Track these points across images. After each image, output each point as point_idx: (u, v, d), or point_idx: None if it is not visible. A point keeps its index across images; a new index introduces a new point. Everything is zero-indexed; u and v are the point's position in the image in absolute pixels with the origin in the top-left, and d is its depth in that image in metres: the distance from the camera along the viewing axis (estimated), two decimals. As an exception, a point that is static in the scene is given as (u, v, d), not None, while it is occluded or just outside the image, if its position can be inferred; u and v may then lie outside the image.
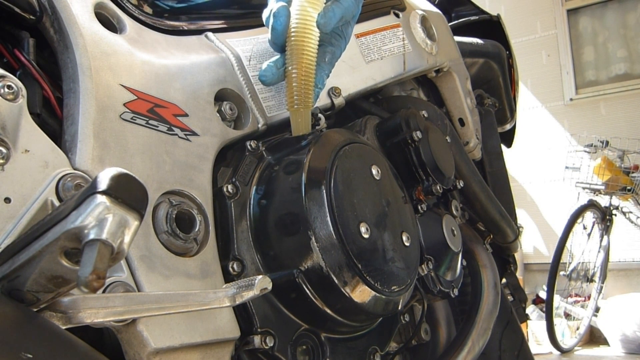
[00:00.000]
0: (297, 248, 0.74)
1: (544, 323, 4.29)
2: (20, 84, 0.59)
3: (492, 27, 1.79)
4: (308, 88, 0.81)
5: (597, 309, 4.59)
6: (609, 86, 5.22)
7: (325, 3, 0.83)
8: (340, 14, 0.82)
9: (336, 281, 0.73)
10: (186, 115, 0.74)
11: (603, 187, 4.43)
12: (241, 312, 0.72)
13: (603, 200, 4.57)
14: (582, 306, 4.73)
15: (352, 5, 0.84)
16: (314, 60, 0.82)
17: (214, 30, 0.88)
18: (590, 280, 4.66)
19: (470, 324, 1.07)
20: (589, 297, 4.72)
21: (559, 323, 4.49)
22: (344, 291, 0.73)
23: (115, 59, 0.69)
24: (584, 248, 4.56)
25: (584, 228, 4.58)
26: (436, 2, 1.66)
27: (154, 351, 0.60)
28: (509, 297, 1.55)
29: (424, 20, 1.27)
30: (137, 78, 0.71)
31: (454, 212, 1.12)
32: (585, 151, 4.55)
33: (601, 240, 4.58)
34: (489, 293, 1.14)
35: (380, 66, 1.11)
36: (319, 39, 0.83)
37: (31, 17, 0.66)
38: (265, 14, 0.83)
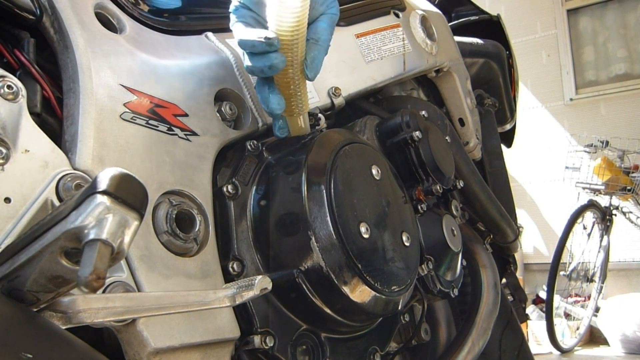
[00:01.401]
0: (297, 248, 0.74)
1: (544, 323, 4.29)
2: (20, 84, 0.59)
3: (492, 27, 1.79)
4: (303, 95, 0.80)
5: (597, 309, 4.59)
6: (609, 86, 5.22)
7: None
8: (323, 56, 0.79)
9: (336, 281, 0.73)
10: (186, 115, 0.74)
11: (603, 187, 4.42)
12: (241, 312, 0.72)
13: (603, 200, 4.57)
14: (582, 306, 4.73)
15: (329, 39, 0.80)
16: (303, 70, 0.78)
17: (214, 30, 0.88)
18: (590, 280, 4.66)
19: (470, 324, 1.07)
20: (589, 297, 4.72)
21: (559, 323, 4.49)
22: (344, 291, 0.73)
23: (115, 59, 0.69)
24: (584, 248, 4.56)
25: (584, 228, 4.57)
26: (436, 2, 1.66)
27: (154, 351, 0.60)
28: (509, 297, 1.55)
29: (424, 20, 1.27)
30: (137, 78, 0.71)
31: (454, 212, 1.12)
32: (585, 151, 4.54)
33: (601, 240, 4.58)
34: (489, 293, 1.14)
35: (380, 66, 1.11)
36: None
37: (31, 17, 0.66)
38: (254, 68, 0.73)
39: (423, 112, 1.12)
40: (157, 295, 0.52)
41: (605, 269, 4.62)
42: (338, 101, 0.98)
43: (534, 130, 5.28)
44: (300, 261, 0.73)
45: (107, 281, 0.59)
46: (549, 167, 5.23)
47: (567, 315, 4.67)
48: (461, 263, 1.06)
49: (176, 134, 0.72)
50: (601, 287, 4.62)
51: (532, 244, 5.45)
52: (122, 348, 0.61)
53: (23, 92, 0.59)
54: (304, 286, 0.74)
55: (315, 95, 0.95)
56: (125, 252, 0.38)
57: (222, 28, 0.90)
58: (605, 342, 4.47)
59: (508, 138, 1.92)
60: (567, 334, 4.53)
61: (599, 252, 4.59)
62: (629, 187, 4.42)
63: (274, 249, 0.76)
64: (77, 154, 0.61)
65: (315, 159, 0.78)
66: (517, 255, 1.63)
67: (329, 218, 0.73)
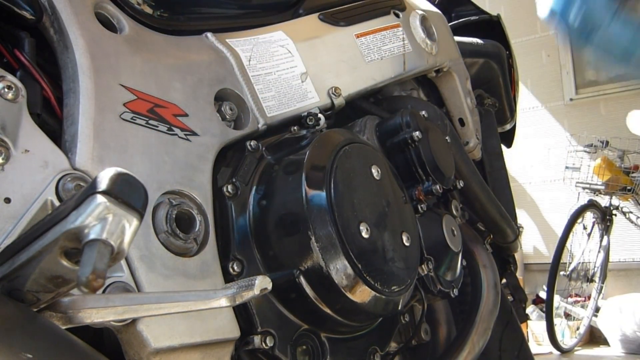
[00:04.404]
0: (297, 248, 0.74)
1: (544, 323, 4.29)
2: (20, 84, 0.59)
3: (492, 27, 1.79)
4: None
5: (597, 309, 4.59)
6: (609, 86, 5.21)
7: None
8: None
9: (336, 281, 0.73)
10: (186, 115, 0.74)
11: (603, 187, 4.42)
12: (241, 312, 0.72)
13: (603, 200, 4.57)
14: (582, 306, 4.73)
15: None
16: None
17: (214, 30, 0.88)
18: (590, 280, 4.65)
19: (470, 324, 1.07)
20: (589, 297, 4.72)
21: (559, 323, 4.49)
22: (344, 291, 0.73)
23: (115, 59, 0.69)
24: (584, 248, 4.55)
25: (584, 228, 4.57)
26: (436, 2, 1.65)
27: (154, 351, 0.60)
28: (509, 297, 1.55)
29: (424, 20, 1.27)
30: (137, 78, 0.71)
31: (454, 212, 1.12)
32: (585, 151, 4.54)
33: (601, 240, 4.57)
34: (489, 293, 1.14)
35: (380, 66, 1.11)
36: None
37: (31, 17, 0.66)
38: None
39: (423, 112, 1.12)
40: (157, 295, 0.52)
41: (605, 269, 4.61)
42: (338, 101, 0.98)
43: (534, 131, 5.28)
44: (300, 261, 0.73)
45: (107, 281, 0.59)
46: (549, 167, 5.23)
47: (567, 315, 4.67)
48: (461, 263, 1.06)
49: (176, 134, 0.72)
50: (601, 287, 4.62)
51: (532, 244, 5.45)
52: (122, 348, 0.61)
53: (23, 92, 0.59)
54: (304, 286, 0.74)
55: (315, 95, 0.95)
56: (125, 252, 0.38)
57: (222, 28, 0.90)
58: (605, 342, 4.46)
59: (508, 138, 1.92)
60: (567, 334, 4.53)
61: (599, 252, 4.59)
62: (629, 187, 4.41)
63: (274, 249, 0.76)
64: (77, 154, 0.61)
65: (315, 159, 0.78)
66: (517, 255, 1.63)
67: (329, 218, 0.73)
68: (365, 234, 0.77)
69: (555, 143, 5.25)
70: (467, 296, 1.15)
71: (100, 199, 0.38)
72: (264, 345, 0.71)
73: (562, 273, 4.40)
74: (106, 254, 0.36)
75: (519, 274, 2.94)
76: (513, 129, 1.90)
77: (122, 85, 0.68)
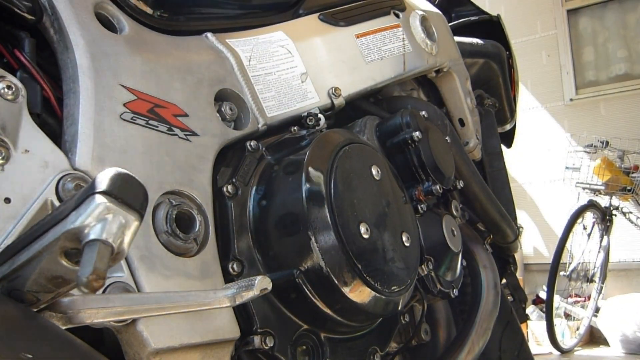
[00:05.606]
0: (297, 248, 0.74)
1: (544, 323, 4.29)
2: (20, 84, 0.59)
3: (492, 27, 1.79)
4: None
5: (597, 309, 4.59)
6: (609, 86, 5.21)
7: None
8: None
9: (336, 281, 0.73)
10: (186, 115, 0.74)
11: (603, 188, 4.42)
12: (241, 312, 0.72)
13: (603, 201, 4.57)
14: (582, 306, 4.73)
15: None
16: None
17: (214, 30, 0.88)
18: (590, 280, 4.65)
19: (470, 324, 1.06)
20: (589, 298, 4.72)
21: (559, 323, 4.49)
22: (343, 291, 0.73)
23: (115, 59, 0.69)
24: (584, 248, 4.55)
25: (584, 228, 4.57)
26: (436, 2, 1.65)
27: (154, 351, 0.60)
28: (509, 297, 1.55)
29: (424, 21, 1.27)
30: (137, 78, 0.71)
31: (454, 212, 1.12)
32: (585, 151, 4.54)
33: (601, 241, 4.57)
34: (489, 293, 1.14)
35: (380, 66, 1.11)
36: None
37: (31, 17, 0.66)
38: None
39: (423, 112, 1.12)
40: (157, 296, 0.52)
41: (605, 269, 4.61)
42: (338, 101, 0.98)
43: (534, 131, 5.28)
44: (300, 261, 0.73)
45: (107, 281, 0.59)
46: (549, 167, 5.23)
47: (567, 316, 4.67)
48: (461, 263, 1.06)
49: (176, 134, 0.72)
50: (601, 287, 4.62)
51: (532, 244, 5.45)
52: (122, 348, 0.61)
53: (23, 92, 0.59)
54: (304, 286, 0.74)
55: (315, 95, 0.95)
56: (125, 252, 0.38)
57: (222, 28, 0.90)
58: (605, 342, 4.46)
59: (508, 138, 1.92)
60: (567, 334, 4.53)
61: (599, 252, 4.59)
62: (629, 188, 4.41)
63: (274, 249, 0.76)
64: (77, 154, 0.61)
65: (315, 159, 0.78)
66: (517, 256, 1.63)
67: (329, 218, 0.73)
68: (365, 234, 0.77)
69: (555, 143, 5.25)
70: (467, 296, 1.15)
71: (100, 199, 0.38)
72: (264, 345, 0.71)
73: (562, 273, 4.40)
74: (106, 254, 0.36)
75: (519, 274, 2.94)
76: (513, 129, 1.90)
77: (122, 86, 0.68)
